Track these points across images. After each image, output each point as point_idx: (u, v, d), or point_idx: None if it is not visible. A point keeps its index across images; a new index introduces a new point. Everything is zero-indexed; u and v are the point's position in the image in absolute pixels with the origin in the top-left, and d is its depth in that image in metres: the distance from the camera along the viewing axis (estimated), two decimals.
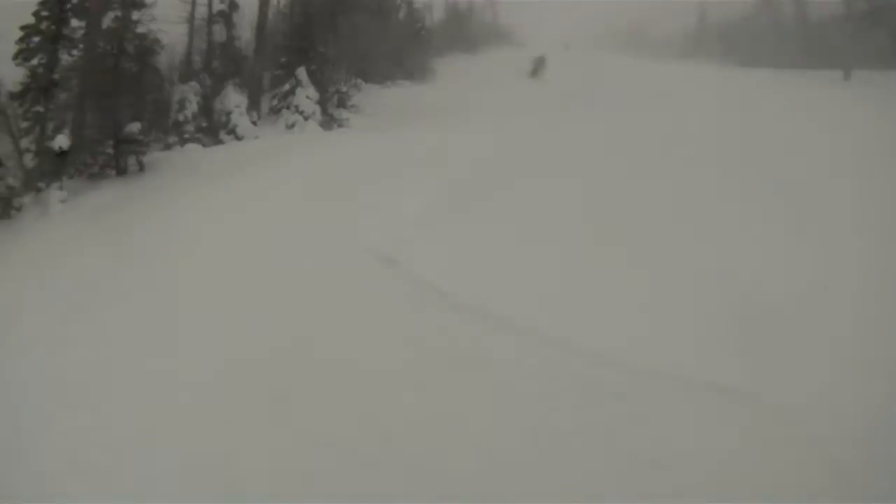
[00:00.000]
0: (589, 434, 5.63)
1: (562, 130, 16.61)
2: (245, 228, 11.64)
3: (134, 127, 17.47)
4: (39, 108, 18.90)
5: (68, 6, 20.78)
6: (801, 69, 39.35)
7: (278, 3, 33.39)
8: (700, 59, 53.91)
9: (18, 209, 15.63)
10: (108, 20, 21.83)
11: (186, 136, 22.06)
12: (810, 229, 9.40)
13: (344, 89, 28.35)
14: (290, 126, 24.66)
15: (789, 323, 7.02)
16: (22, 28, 19.62)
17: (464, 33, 51.50)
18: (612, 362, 6.45)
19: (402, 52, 36.54)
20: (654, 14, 69.82)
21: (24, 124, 19.03)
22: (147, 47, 21.17)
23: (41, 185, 16.68)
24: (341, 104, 27.34)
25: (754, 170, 12.22)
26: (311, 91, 25.59)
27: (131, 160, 17.57)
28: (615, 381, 6.26)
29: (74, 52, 20.46)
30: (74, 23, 21.03)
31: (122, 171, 17.29)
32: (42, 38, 19.84)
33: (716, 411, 5.77)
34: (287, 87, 26.03)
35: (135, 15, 22.94)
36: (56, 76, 19.43)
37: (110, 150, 17.31)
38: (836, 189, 10.78)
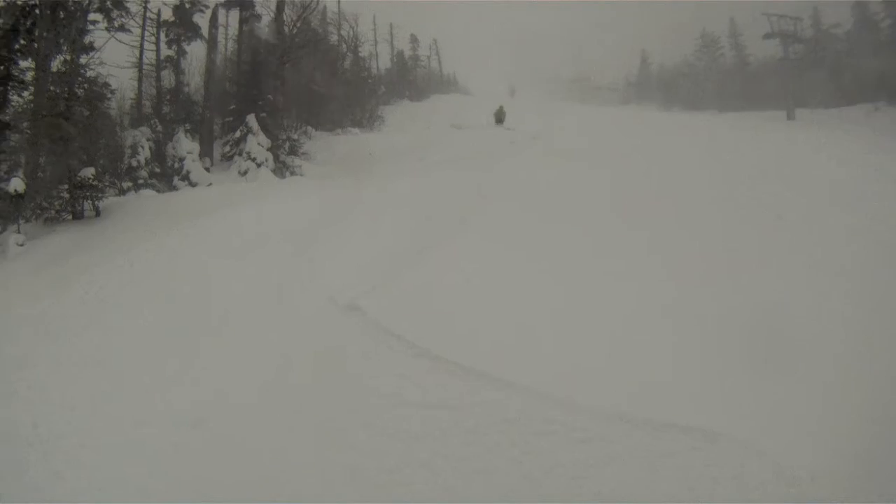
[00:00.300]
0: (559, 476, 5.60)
1: (514, 178, 16.50)
2: (202, 275, 11.34)
3: (88, 172, 17.03)
4: None
5: (16, 46, 20.35)
6: (744, 111, 40.88)
7: (226, 49, 33.34)
8: (644, 105, 55.79)
9: None
10: (57, 63, 21.47)
11: (140, 181, 21.81)
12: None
13: (295, 137, 28.39)
14: (244, 173, 24.50)
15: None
16: None
17: (410, 81, 52.24)
18: (581, 407, 6.36)
19: (350, 100, 36.78)
20: (597, 61, 72.07)
21: None
22: (97, 91, 20.75)
23: None
24: (293, 151, 27.34)
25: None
26: (263, 138, 25.53)
27: (87, 205, 17.11)
28: (585, 425, 6.16)
29: (25, 93, 19.98)
30: (23, 64, 20.62)
31: (78, 216, 16.81)
32: None
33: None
34: (238, 133, 25.99)
35: (83, 58, 22.64)
36: (7, 118, 18.89)
37: (66, 195, 16.79)
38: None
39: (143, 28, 28.97)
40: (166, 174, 23.50)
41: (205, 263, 11.78)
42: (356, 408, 6.91)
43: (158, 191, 21.51)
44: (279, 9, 30.88)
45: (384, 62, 51.27)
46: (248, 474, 6.17)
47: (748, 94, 46.88)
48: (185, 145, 24.19)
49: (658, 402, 6.19)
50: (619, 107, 52.78)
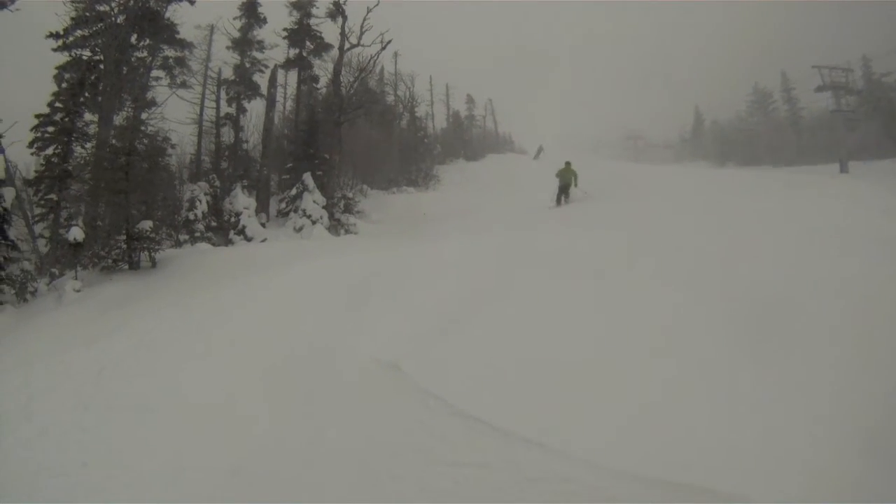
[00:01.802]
0: None
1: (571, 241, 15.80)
2: (251, 330, 11.08)
3: (146, 224, 17.03)
4: (53, 197, 18.85)
5: (81, 100, 20.73)
6: (797, 165, 40.11)
7: (284, 108, 33.67)
8: (698, 162, 55.01)
9: (33, 294, 15.22)
10: (119, 117, 21.79)
11: (197, 234, 21.74)
12: None
13: (350, 195, 28.28)
14: (299, 229, 24.35)
15: None
16: (36, 116, 19.51)
17: (465, 141, 52.04)
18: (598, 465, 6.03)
19: (406, 160, 36.80)
20: (650, 118, 71.92)
21: (39, 211, 18.73)
22: (157, 146, 20.90)
23: (54, 271, 16.52)
24: (348, 209, 27.21)
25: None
26: (318, 196, 25.44)
27: (144, 256, 17.02)
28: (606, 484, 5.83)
29: (87, 145, 20.28)
30: (87, 116, 21.04)
31: (134, 266, 16.68)
32: (56, 129, 19.68)
33: None
34: (294, 191, 25.94)
35: (145, 114, 22.94)
36: (69, 167, 19.11)
37: (123, 245, 16.69)
38: None
39: (204, 86, 29.54)
40: (222, 228, 23.44)
41: (255, 319, 11.57)
42: (391, 465, 6.89)
43: (214, 244, 21.37)
44: (336, 70, 31.16)
45: (440, 122, 51.55)
46: None
47: (802, 148, 46.07)
48: (242, 201, 24.16)
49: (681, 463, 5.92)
50: (672, 164, 51.83)
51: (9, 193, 15.20)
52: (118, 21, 23.54)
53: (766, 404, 6.56)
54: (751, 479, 5.44)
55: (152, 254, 17.06)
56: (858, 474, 5.38)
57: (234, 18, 30.46)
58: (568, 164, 22.37)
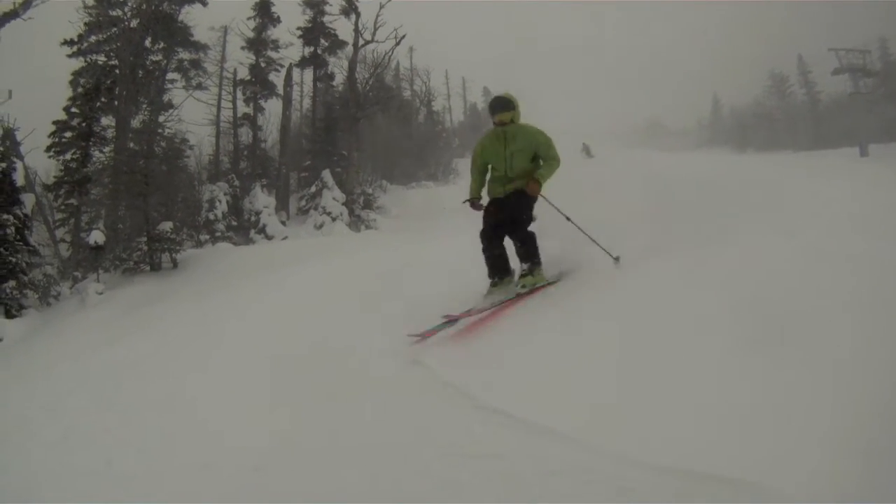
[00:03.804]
0: None
1: None
2: (271, 328, 10.94)
3: (166, 226, 17.06)
4: (73, 201, 19.02)
5: (98, 104, 20.79)
6: (817, 150, 39.32)
7: (301, 107, 33.67)
8: (717, 148, 54.43)
9: (56, 297, 15.20)
10: (136, 121, 21.84)
11: (218, 234, 21.78)
12: None
13: (369, 191, 28.19)
14: (319, 226, 24.32)
15: None
16: (54, 123, 19.61)
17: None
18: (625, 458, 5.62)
19: (424, 154, 36.63)
20: (668, 105, 71.17)
21: (59, 215, 18.87)
22: (175, 148, 20.93)
23: (77, 274, 16.56)
24: (367, 205, 27.14)
25: None
26: (338, 193, 25.38)
27: (165, 257, 17.00)
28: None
29: (106, 149, 20.33)
30: (104, 121, 21.11)
31: (155, 268, 16.67)
32: (73, 134, 19.78)
33: None
34: (314, 188, 25.94)
35: (162, 116, 22.98)
36: (88, 172, 19.18)
37: (144, 247, 16.70)
38: None
39: (220, 87, 29.65)
40: (243, 227, 23.51)
41: (276, 317, 11.36)
42: (410, 457, 6.43)
43: (235, 243, 21.36)
44: (351, 67, 30.99)
45: (457, 115, 51.33)
46: None
47: (820, 132, 45.37)
48: (262, 200, 24.23)
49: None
50: (692, 151, 51.32)
51: (29, 200, 15.27)
52: (132, 25, 23.60)
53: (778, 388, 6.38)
54: (763, 469, 5.25)
55: (173, 255, 17.05)
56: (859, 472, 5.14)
57: (248, 19, 30.44)
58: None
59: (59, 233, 19.22)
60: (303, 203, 26.72)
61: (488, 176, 7.83)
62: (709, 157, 40.13)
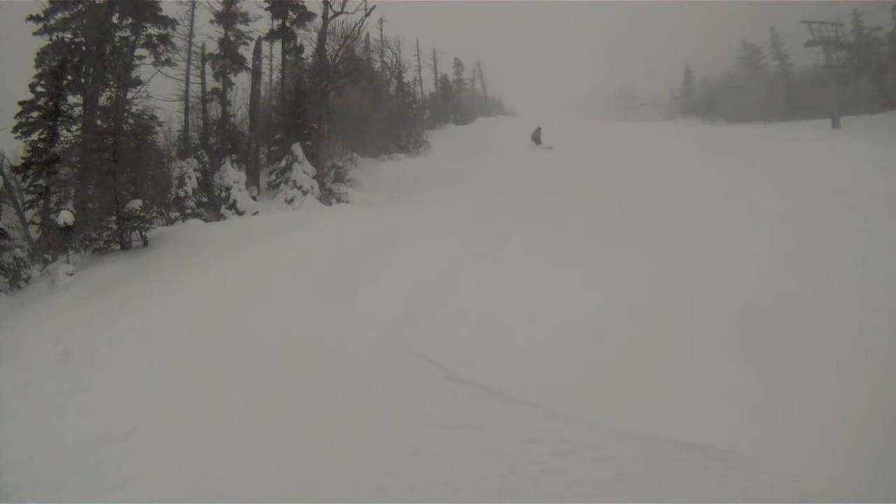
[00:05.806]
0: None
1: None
2: (243, 304, 11.27)
3: (135, 204, 17.15)
4: (42, 182, 18.98)
5: (64, 83, 20.78)
6: (789, 121, 40.03)
7: (270, 80, 33.60)
8: (689, 119, 54.88)
9: (27, 280, 15.43)
10: (104, 98, 21.83)
11: (188, 211, 21.96)
12: None
13: (340, 164, 28.34)
14: (290, 201, 24.53)
15: None
16: (20, 103, 19.57)
17: (454, 105, 51.71)
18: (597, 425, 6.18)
19: (395, 126, 36.72)
20: (639, 76, 71.15)
21: (28, 197, 18.89)
22: (144, 125, 20.97)
23: (47, 256, 16.57)
24: (338, 178, 27.35)
25: None
26: (308, 166, 25.57)
27: (135, 235, 17.23)
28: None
29: (73, 128, 20.35)
30: (71, 99, 21.07)
31: (126, 246, 16.90)
32: (40, 114, 19.75)
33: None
34: (284, 162, 26.08)
35: (130, 93, 22.98)
36: (56, 151, 19.25)
37: (113, 226, 16.86)
38: None
39: (189, 62, 29.41)
40: (213, 203, 23.67)
41: (247, 293, 11.75)
42: (387, 428, 6.98)
43: (205, 220, 21.58)
44: (321, 39, 30.96)
45: (428, 87, 51.16)
46: (276, 488, 6.38)
47: (793, 104, 45.90)
48: (232, 175, 24.37)
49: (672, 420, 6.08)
50: (662, 122, 51.79)
51: None
52: (98, 1, 23.50)
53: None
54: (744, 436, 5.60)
55: (143, 233, 17.28)
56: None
57: None
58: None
59: (29, 215, 19.26)
60: (273, 177, 26.79)
61: None
62: (661, 128, 40.78)
